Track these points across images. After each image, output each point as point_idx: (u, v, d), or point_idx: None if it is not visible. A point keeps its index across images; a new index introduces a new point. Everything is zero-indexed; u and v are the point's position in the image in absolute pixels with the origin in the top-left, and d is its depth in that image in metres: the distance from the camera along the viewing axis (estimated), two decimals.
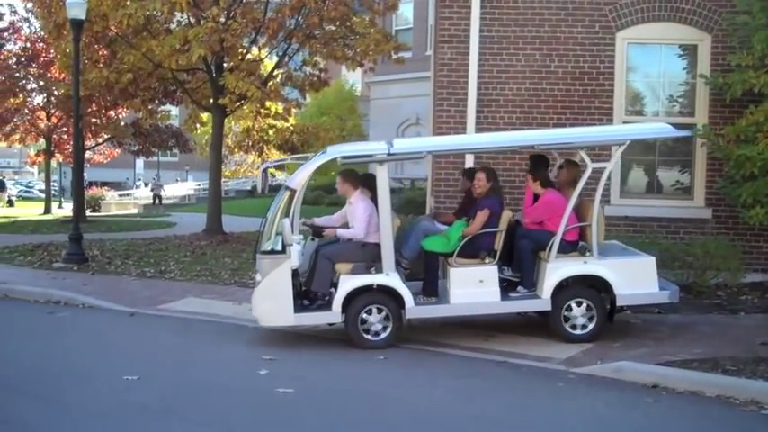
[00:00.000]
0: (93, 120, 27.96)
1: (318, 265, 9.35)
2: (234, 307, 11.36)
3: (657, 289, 9.21)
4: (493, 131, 12.69)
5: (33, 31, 30.09)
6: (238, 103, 18.98)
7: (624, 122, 12.95)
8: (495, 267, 9.25)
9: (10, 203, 47.39)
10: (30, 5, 27.75)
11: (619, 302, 9.25)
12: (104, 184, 49.40)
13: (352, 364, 8.62)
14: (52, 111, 30.48)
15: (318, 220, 10.09)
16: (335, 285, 9.20)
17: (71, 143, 27.93)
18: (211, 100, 19.24)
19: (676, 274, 11.04)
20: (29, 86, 30.54)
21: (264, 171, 10.79)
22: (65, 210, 38.50)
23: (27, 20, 30.15)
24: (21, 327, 10.73)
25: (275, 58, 21.03)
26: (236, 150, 34.95)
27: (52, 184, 40.60)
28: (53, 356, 8.81)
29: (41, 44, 29.00)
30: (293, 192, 9.37)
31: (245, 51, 18.93)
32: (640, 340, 9.18)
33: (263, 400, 7.18)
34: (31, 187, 67.62)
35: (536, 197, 9.72)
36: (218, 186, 20.73)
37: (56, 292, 12.55)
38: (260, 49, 20.91)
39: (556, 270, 9.10)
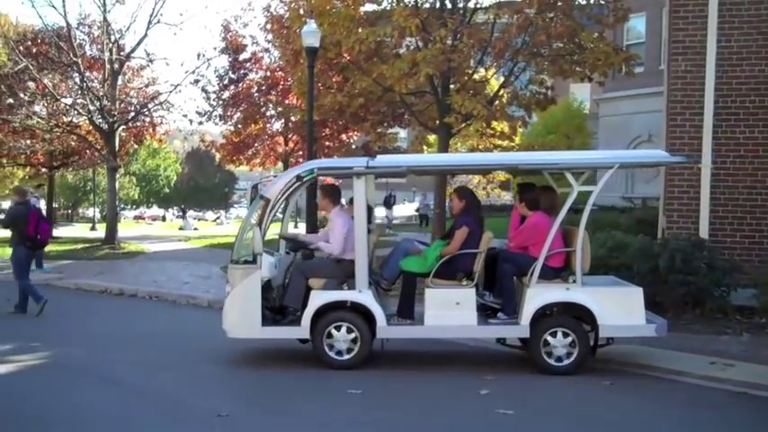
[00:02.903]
0: (327, 143, 29.18)
1: (292, 280, 9.24)
2: None
3: (644, 322, 8.63)
4: (732, 147, 11.93)
5: (273, 60, 31.92)
6: (464, 123, 19.07)
7: None
8: (473, 290, 8.85)
9: None
10: (270, 36, 29.57)
11: (602, 333, 8.70)
12: None
13: (575, 387, 8.31)
14: (289, 135, 32.12)
15: (302, 236, 9.74)
16: None
17: None
18: (437, 121, 19.46)
19: None
20: (268, 113, 32.39)
21: (254, 187, 10.72)
22: (299, 229, 40.35)
23: (267, 50, 32.04)
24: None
25: (501, 78, 20.96)
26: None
27: None
28: (287, 369, 9.17)
29: (280, 73, 30.69)
30: (268, 201, 9.18)
31: (471, 71, 19.02)
32: None
33: (484, 421, 7.07)
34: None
35: (523, 220, 9.23)
36: (442, 206, 20.88)
37: None
38: (486, 69, 20.93)
39: (536, 296, 8.65)
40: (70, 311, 13.80)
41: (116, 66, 27.86)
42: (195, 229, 44.69)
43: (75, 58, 26.56)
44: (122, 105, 28.48)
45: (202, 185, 73.32)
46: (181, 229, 44.70)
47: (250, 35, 34.29)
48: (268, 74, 31.89)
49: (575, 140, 35.25)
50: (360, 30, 17.62)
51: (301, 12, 19.54)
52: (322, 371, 8.97)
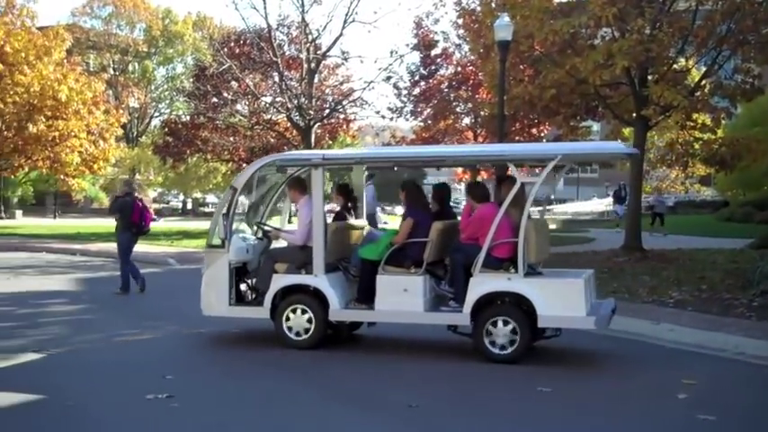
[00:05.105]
0: (517, 138, 28.87)
1: (263, 264, 9.88)
2: (651, 326, 10.79)
3: (584, 313, 8.60)
4: None
5: (463, 55, 31.95)
6: (662, 115, 18.33)
7: None
8: (422, 278, 9.13)
9: None
10: (461, 31, 29.63)
11: (541, 324, 8.75)
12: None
13: None
14: (479, 131, 32.06)
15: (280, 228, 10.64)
16: None
17: None
18: (633, 114, 18.81)
19: None
20: (458, 109, 32.46)
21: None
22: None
23: (458, 45, 32.12)
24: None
25: (703, 67, 19.96)
26: (658, 165, 33.83)
27: None
28: (465, 362, 9.10)
29: (470, 67, 30.68)
30: (235, 190, 9.88)
31: (671, 61, 18.24)
32: None
33: (684, 427, 6.72)
34: (458, 203, 71.84)
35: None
36: (638, 202, 20.14)
37: None
38: (687, 59, 19.99)
39: (478, 285, 8.86)
40: None
41: (313, 64, 28.87)
42: (384, 223, 45.44)
43: (275, 58, 27.75)
44: (318, 103, 29.44)
45: (393, 180, 74.49)
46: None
47: (441, 31, 34.36)
48: (458, 69, 31.96)
49: None
50: (553, 21, 17.30)
51: (493, 5, 19.43)
52: (503, 366, 8.80)
